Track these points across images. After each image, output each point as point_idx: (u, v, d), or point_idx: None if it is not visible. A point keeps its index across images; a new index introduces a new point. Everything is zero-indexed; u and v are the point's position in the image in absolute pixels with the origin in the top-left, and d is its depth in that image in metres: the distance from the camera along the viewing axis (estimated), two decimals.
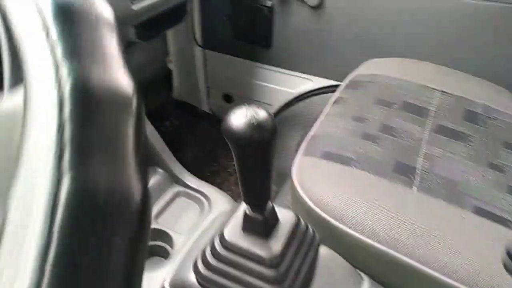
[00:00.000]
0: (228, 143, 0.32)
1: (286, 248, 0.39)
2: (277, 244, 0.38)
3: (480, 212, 0.53)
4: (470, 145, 0.65)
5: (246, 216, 0.38)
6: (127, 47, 0.89)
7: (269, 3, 1.03)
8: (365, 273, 0.49)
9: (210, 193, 0.69)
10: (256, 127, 0.31)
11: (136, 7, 0.66)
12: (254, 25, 1.08)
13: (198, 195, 0.70)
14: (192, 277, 0.41)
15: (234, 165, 0.35)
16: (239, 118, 0.31)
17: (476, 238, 0.50)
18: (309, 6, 0.98)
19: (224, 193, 0.72)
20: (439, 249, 0.48)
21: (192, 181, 0.73)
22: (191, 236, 0.60)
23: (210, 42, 1.19)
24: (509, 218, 0.53)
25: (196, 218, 0.67)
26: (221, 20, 1.13)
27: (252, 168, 0.34)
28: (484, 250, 0.48)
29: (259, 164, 0.33)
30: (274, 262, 0.37)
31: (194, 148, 1.18)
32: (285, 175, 0.61)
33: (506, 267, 0.29)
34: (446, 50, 0.90)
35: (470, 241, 0.49)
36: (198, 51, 1.21)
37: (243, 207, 0.40)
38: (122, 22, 0.66)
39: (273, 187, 0.95)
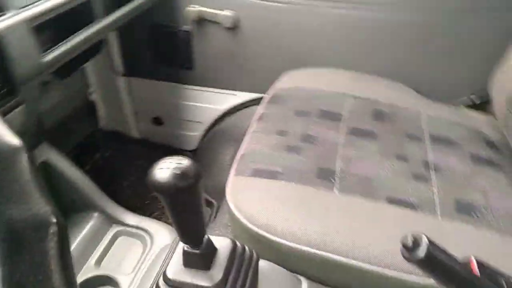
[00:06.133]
0: (156, 194, 0.35)
1: (227, 273, 0.42)
2: (218, 272, 0.41)
3: (392, 201, 0.61)
4: (379, 141, 0.74)
5: (185, 252, 0.41)
6: (43, 85, 0.87)
7: (187, 28, 1.06)
8: (302, 275, 0.54)
9: (151, 227, 0.70)
10: (180, 176, 0.34)
11: (47, 58, 0.64)
12: (174, 49, 1.10)
13: (138, 231, 0.71)
14: None
15: None
16: (163, 170, 0.34)
17: (391, 225, 0.57)
18: (225, 27, 1.02)
19: (165, 224, 0.73)
20: (360, 241, 0.55)
21: (130, 218, 0.73)
22: (137, 275, 0.61)
23: (132, 69, 1.19)
24: (415, 202, 0.62)
25: (139, 255, 0.67)
26: (141, 47, 1.14)
27: (183, 213, 0.37)
28: (397, 234, 0.56)
29: (189, 208, 0.37)
30: None
31: (129, 177, 1.17)
32: (223, 190, 0.65)
33: (403, 255, 0.35)
34: (360, 57, 0.99)
35: (385, 229, 0.57)
36: (121, 80, 1.20)
37: (181, 245, 0.42)
38: (31, 77, 0.64)
39: (214, 203, 0.98)
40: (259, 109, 0.85)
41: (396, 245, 0.54)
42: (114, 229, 0.72)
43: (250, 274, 0.46)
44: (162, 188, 0.34)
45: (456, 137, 0.77)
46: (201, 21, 1.03)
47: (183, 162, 0.35)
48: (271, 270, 0.50)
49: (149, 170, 0.35)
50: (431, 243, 0.34)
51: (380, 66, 0.97)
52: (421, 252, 0.34)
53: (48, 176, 0.62)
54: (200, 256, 0.41)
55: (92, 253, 0.66)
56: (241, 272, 0.44)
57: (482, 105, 0.93)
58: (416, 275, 0.52)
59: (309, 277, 0.54)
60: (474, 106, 0.94)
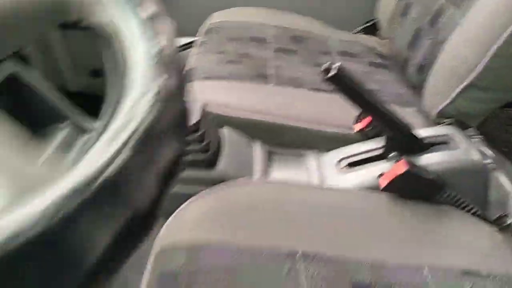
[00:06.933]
0: None
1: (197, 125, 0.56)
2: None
3: (315, 89, 0.80)
4: (299, 56, 0.92)
5: None
6: None
7: None
8: (255, 139, 0.70)
9: None
10: None
11: None
12: None
13: None
14: None
15: None
16: None
17: (315, 102, 0.77)
18: None
19: None
20: (297, 109, 0.74)
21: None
22: None
23: None
24: (331, 89, 0.81)
25: None
26: None
27: None
28: (321, 105, 0.75)
29: None
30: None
31: None
32: None
33: (322, 78, 0.52)
34: None
35: (312, 103, 0.76)
36: None
37: None
38: None
39: None
40: (198, 40, 0.98)
41: (322, 108, 0.74)
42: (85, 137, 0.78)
43: (214, 132, 0.60)
44: None
45: (356, 52, 0.99)
46: None
47: None
48: (232, 135, 0.65)
49: None
50: (342, 66, 0.52)
51: (294, 5, 1.16)
52: (333, 71, 0.51)
53: (16, 90, 0.65)
54: None
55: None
56: (209, 129, 0.58)
57: (374, 30, 1.16)
58: (338, 128, 0.72)
59: (260, 140, 0.70)
60: (368, 32, 1.17)
